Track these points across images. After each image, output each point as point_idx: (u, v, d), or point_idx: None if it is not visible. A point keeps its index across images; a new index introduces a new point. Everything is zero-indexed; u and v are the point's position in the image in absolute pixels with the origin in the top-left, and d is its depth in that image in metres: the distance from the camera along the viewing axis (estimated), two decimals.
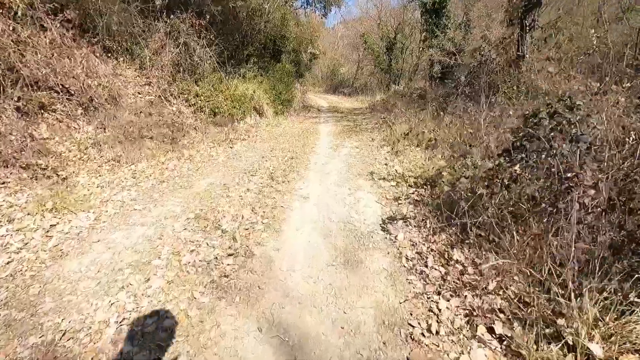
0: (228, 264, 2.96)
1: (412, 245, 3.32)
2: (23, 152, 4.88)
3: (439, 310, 2.44)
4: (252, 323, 2.34)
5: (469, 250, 3.08)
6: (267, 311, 2.46)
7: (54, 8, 6.94)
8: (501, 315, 2.32)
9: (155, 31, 8.89)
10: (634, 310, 2.00)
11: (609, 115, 2.98)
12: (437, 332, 2.25)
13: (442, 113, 8.20)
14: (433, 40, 15.12)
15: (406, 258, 3.13)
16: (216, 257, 3.06)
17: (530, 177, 2.78)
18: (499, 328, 2.22)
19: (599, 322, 2.03)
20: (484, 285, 2.59)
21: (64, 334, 2.19)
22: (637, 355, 1.88)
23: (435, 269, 2.93)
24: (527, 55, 9.09)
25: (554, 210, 2.60)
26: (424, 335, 2.26)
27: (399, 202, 4.31)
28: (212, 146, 7.17)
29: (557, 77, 8.95)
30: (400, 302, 2.58)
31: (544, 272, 2.33)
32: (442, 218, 3.55)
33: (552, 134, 2.60)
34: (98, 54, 7.71)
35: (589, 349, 1.90)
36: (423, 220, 3.70)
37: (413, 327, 2.33)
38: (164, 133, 7.08)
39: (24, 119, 5.45)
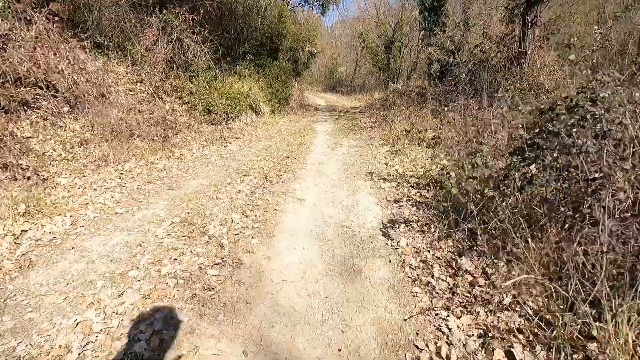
0: (213, 275, 2.65)
1: (416, 252, 3.01)
2: (2, 151, 4.55)
3: (449, 329, 2.14)
4: (236, 346, 2.02)
5: (479, 259, 2.77)
6: (254, 331, 2.15)
7: (40, 1, 6.62)
8: (520, 337, 2.02)
9: (148, 26, 8.56)
10: None
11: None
12: (448, 358, 1.94)
13: (445, 109, 7.91)
14: (432, 38, 14.81)
15: (410, 267, 2.82)
16: (200, 267, 2.74)
17: (548, 177, 2.48)
18: (518, 352, 1.91)
19: (638, 348, 1.73)
20: (499, 300, 2.28)
21: None
22: None
23: (443, 280, 2.62)
24: (529, 52, 8.79)
25: (577, 216, 2.29)
26: None
27: (400, 203, 4.00)
28: (205, 145, 6.85)
29: (560, 74, 8.67)
30: (405, 318, 2.27)
31: (570, 287, 2.02)
32: (448, 222, 3.24)
33: (574, 130, 2.29)
34: (88, 50, 7.38)
35: None
36: (427, 224, 3.39)
37: (420, 349, 2.02)
38: (155, 131, 6.75)
39: (4, 116, 5.12)
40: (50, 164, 4.97)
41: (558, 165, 2.47)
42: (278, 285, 2.59)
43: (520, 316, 2.17)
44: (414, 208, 3.84)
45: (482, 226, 2.80)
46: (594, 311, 1.92)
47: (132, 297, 2.35)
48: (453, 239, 3.08)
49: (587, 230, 2.15)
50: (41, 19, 6.27)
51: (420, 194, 4.14)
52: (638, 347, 1.73)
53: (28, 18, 6.13)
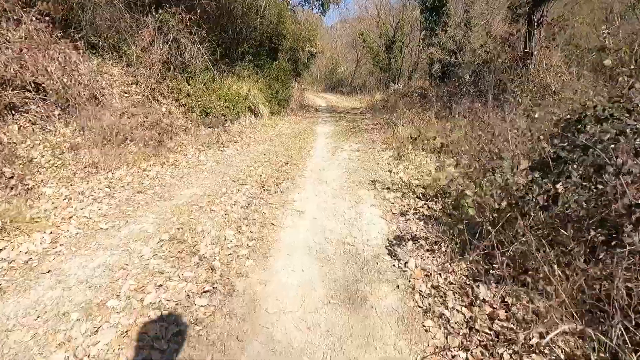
0: (201, 306, 2.35)
1: (426, 275, 2.72)
2: None
3: None
4: None
5: (497, 286, 2.47)
6: None
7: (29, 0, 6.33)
8: None
9: (144, 26, 8.25)
10: None
11: None
12: None
13: (449, 114, 7.61)
14: (433, 38, 14.49)
15: (420, 294, 2.53)
16: (188, 295, 2.44)
17: (577, 198, 2.18)
18: None
19: None
20: (524, 339, 1.99)
21: None
22: None
23: (458, 311, 2.32)
24: (535, 53, 8.48)
25: (613, 244, 2.00)
26: None
27: (407, 217, 3.70)
28: (202, 150, 6.55)
29: (567, 76, 8.36)
30: None
31: (613, 333, 1.73)
32: (460, 240, 2.94)
33: (610, 145, 2.00)
34: (81, 51, 7.07)
35: None
36: (436, 242, 3.09)
37: None
38: (149, 135, 6.44)
39: None
40: (38, 171, 4.68)
41: (589, 185, 2.18)
42: (274, 317, 2.30)
43: None
44: (422, 222, 3.54)
45: (501, 250, 2.50)
46: None
47: (108, 335, 2.06)
48: (466, 261, 2.78)
49: (626, 263, 1.86)
50: (31, 19, 5.97)
51: (428, 206, 3.84)
52: None
53: (16, 18, 5.83)
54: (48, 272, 2.67)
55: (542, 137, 2.71)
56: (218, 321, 2.23)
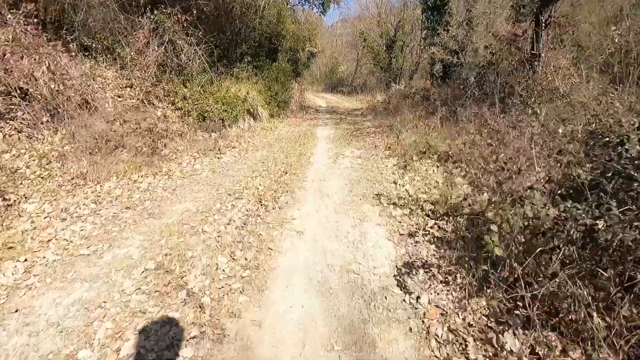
0: (186, 358, 2.02)
1: (442, 314, 2.39)
2: None
3: None
4: None
5: (524, 330, 2.14)
6: None
7: (16, 0, 5.99)
8: None
9: (139, 28, 7.89)
10: None
11: None
12: None
13: (454, 118, 7.26)
14: (435, 37, 14.11)
15: (436, 339, 2.20)
16: (172, 343, 2.11)
17: (622, 237, 1.84)
18: None
19: None
20: None
21: None
22: None
23: None
24: (542, 54, 8.11)
25: None
26: None
27: (416, 238, 3.37)
28: (197, 157, 6.21)
29: (576, 78, 8.01)
30: None
31: None
32: (477, 270, 2.61)
33: None
34: (73, 53, 6.73)
35: None
36: (451, 273, 2.76)
37: None
38: (143, 142, 6.10)
39: None
40: (21, 183, 4.36)
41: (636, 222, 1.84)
42: None
43: None
44: (433, 246, 3.20)
45: (528, 289, 2.17)
46: None
47: None
48: (486, 297, 2.45)
49: None
50: (18, 21, 5.62)
51: (439, 226, 3.50)
52: None
53: (1, 20, 5.48)
54: (16, 311, 2.35)
55: (565, 154, 2.37)
56: None
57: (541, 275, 2.17)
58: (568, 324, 2.09)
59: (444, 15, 15.20)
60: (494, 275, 2.30)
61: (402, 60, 21.20)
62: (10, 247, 3.02)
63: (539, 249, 2.12)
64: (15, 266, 2.80)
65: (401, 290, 2.67)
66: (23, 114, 5.29)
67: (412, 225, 3.61)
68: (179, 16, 7.99)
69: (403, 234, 3.46)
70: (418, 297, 2.56)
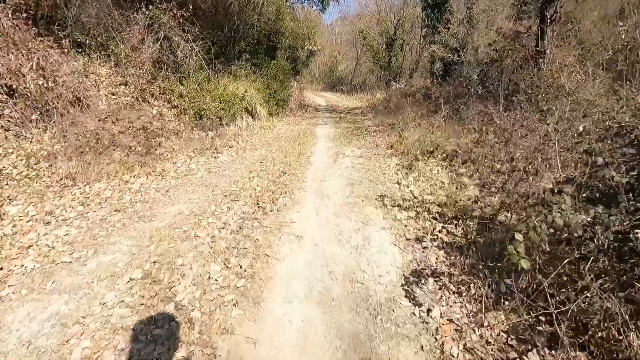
0: None
1: (457, 330, 2.15)
2: None
3: None
4: None
5: (551, 349, 1.91)
6: None
7: None
8: None
9: (134, 24, 7.63)
10: None
11: None
12: None
13: (457, 117, 7.02)
14: (435, 35, 13.86)
15: None
16: None
17: None
18: None
19: None
20: None
21: None
22: None
23: None
24: (548, 51, 7.88)
25: None
26: None
27: (424, 244, 3.13)
28: (193, 156, 5.96)
29: (582, 76, 7.78)
30: None
31: None
32: (494, 282, 2.38)
33: None
34: (66, 50, 6.48)
35: None
36: (464, 282, 2.52)
37: None
38: (136, 141, 5.86)
39: None
40: (7, 184, 4.12)
41: None
42: None
43: None
44: (442, 252, 2.97)
45: (553, 304, 1.93)
46: None
47: None
48: (505, 310, 2.21)
49: None
50: (6, 15, 5.38)
51: (447, 231, 3.26)
52: None
53: None
54: None
55: (595, 153, 2.12)
56: None
57: (569, 288, 1.93)
58: (599, 343, 1.86)
59: (444, 13, 14.96)
60: (510, 287, 2.06)
61: (402, 58, 20.94)
62: None
63: (566, 260, 1.88)
64: None
65: (410, 301, 2.43)
66: (10, 112, 5.03)
67: (419, 229, 3.37)
68: (175, 12, 7.73)
69: (409, 239, 3.22)
70: (429, 310, 2.32)
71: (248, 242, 3.12)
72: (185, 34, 8.25)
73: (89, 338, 2.03)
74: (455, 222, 3.36)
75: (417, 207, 3.78)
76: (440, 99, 8.21)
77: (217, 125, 7.93)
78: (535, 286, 2.27)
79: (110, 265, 2.75)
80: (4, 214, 3.51)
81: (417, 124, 7.27)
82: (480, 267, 2.56)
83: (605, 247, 1.90)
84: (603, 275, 1.91)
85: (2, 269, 2.64)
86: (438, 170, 4.94)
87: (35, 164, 4.61)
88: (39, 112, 5.33)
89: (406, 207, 3.81)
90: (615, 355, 1.80)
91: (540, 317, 2.09)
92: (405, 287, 2.57)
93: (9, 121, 4.97)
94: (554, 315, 1.89)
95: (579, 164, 2.56)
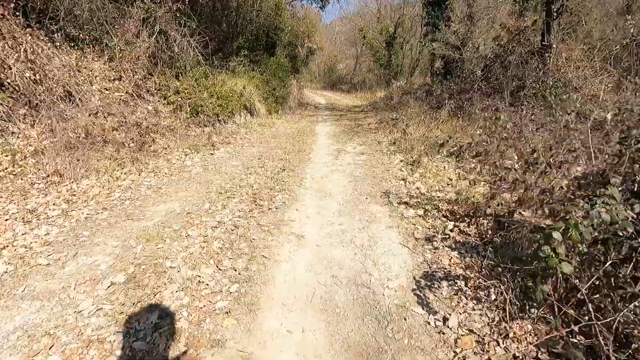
0: None
1: (478, 343, 1.88)
2: None
3: None
4: None
5: None
6: None
7: None
8: None
9: (129, 17, 7.36)
10: None
11: None
12: None
13: (461, 113, 6.76)
14: (436, 33, 13.59)
15: None
16: None
17: None
18: None
19: None
20: None
21: None
22: None
23: None
24: (554, 46, 7.61)
25: None
26: None
27: (434, 243, 2.86)
28: (188, 153, 5.68)
29: (589, 70, 7.53)
30: None
31: None
32: (517, 286, 2.11)
33: None
34: (58, 43, 6.22)
35: None
36: (482, 287, 2.25)
37: None
38: (130, 137, 5.59)
39: None
40: None
41: None
42: None
43: None
44: (455, 252, 2.70)
45: (587, 310, 1.66)
46: None
47: None
48: (532, 318, 1.95)
49: None
50: None
51: (460, 230, 2.99)
52: None
53: None
54: None
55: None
56: None
57: (613, 295, 1.66)
58: None
59: (445, 10, 14.68)
60: (547, 294, 1.78)
61: (402, 57, 20.66)
62: None
63: (610, 262, 1.61)
64: None
65: (423, 309, 2.15)
66: None
67: (429, 228, 3.10)
68: (171, 4, 7.47)
69: (419, 239, 2.95)
70: (445, 319, 2.05)
71: (243, 243, 2.84)
72: (182, 28, 7.99)
73: (59, 352, 1.76)
74: (468, 220, 3.09)
75: (425, 204, 3.51)
76: (444, 94, 7.93)
77: (214, 121, 7.66)
78: (564, 291, 2.01)
79: (91, 268, 2.47)
80: None
81: (422, 119, 7.00)
82: (500, 269, 2.29)
83: None
84: None
85: None
86: (445, 167, 4.68)
87: (21, 160, 4.34)
88: (27, 107, 5.06)
89: (413, 205, 3.54)
90: None
91: (573, 328, 1.82)
92: (417, 292, 2.30)
93: None
94: (594, 326, 1.62)
95: (608, 155, 2.29)
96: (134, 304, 2.09)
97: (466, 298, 2.20)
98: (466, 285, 2.32)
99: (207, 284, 2.30)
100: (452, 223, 3.08)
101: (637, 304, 1.57)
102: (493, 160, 2.67)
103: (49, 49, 5.89)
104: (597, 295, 1.83)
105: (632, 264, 1.69)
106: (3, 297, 2.16)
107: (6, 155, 4.34)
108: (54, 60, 5.80)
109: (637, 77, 6.19)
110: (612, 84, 6.90)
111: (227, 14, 10.22)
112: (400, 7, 20.77)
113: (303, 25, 15.65)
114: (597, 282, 1.81)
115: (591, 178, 2.01)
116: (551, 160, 2.52)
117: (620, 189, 1.91)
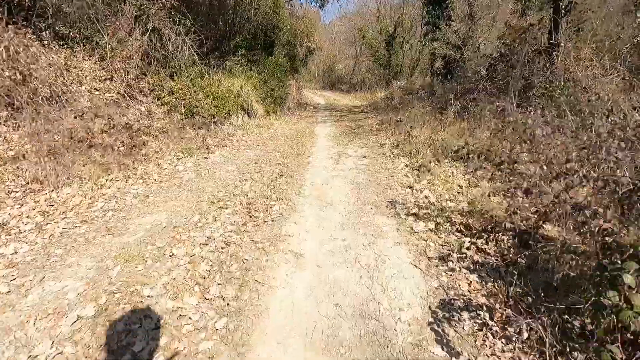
0: None
1: None
2: None
3: None
4: None
5: None
6: None
7: None
8: None
9: (121, 14, 6.99)
10: None
11: None
12: None
13: (467, 115, 6.41)
14: (437, 33, 13.24)
15: None
16: None
17: None
18: None
19: None
20: None
21: None
22: None
23: None
24: (562, 44, 7.26)
25: None
26: None
27: (449, 264, 2.51)
28: (181, 157, 5.33)
29: (599, 70, 7.19)
30: None
31: None
32: (555, 319, 1.77)
33: None
34: (46, 42, 5.88)
35: None
36: (510, 320, 1.90)
37: None
38: (120, 140, 5.24)
39: None
40: None
41: None
42: None
43: None
44: (475, 276, 2.35)
45: None
46: None
47: None
48: None
49: None
50: None
51: (477, 247, 2.65)
52: None
53: None
54: None
55: None
56: None
57: None
58: None
59: (445, 9, 14.34)
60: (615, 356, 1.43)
61: (402, 56, 20.28)
62: None
63: None
64: None
65: (443, 349, 1.81)
66: None
67: (442, 245, 2.75)
68: (164, 1, 7.10)
69: (432, 258, 2.60)
70: None
71: (235, 264, 2.49)
72: (177, 26, 7.62)
73: None
74: (486, 236, 2.74)
75: (436, 216, 3.16)
76: (450, 94, 7.58)
77: (209, 123, 7.30)
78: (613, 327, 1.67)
79: (57, 296, 2.12)
80: None
81: (426, 121, 6.64)
82: (530, 299, 1.95)
83: None
84: None
85: None
86: (453, 172, 4.33)
87: (1, 166, 4.00)
88: (10, 109, 4.73)
89: (423, 217, 3.19)
90: None
91: None
92: (435, 327, 1.96)
93: None
94: None
95: None
96: (100, 346, 1.74)
97: (493, 336, 1.85)
98: (491, 318, 1.97)
99: (190, 318, 1.95)
100: (468, 239, 2.74)
101: None
102: (519, 171, 2.32)
103: (36, 47, 5.55)
104: None
105: None
106: None
107: None
108: (40, 59, 5.45)
109: None
110: (623, 83, 6.57)
111: (224, 12, 9.85)
112: (400, 6, 20.40)
113: (302, 25, 15.27)
114: None
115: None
116: (587, 171, 2.17)
117: None
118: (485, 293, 2.17)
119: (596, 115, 3.58)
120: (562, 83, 6.03)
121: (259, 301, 2.12)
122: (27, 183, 3.90)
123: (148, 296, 2.10)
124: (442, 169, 4.43)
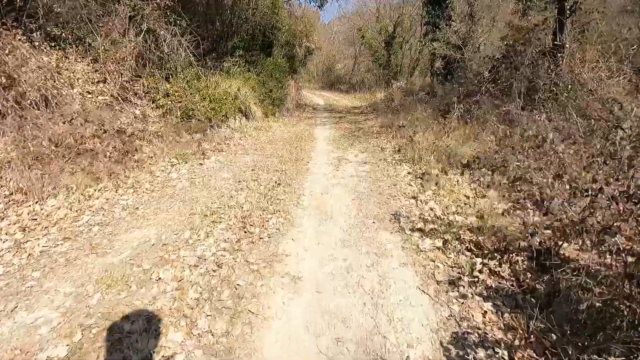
0: None
1: None
2: None
3: None
4: None
5: None
6: None
7: None
8: None
9: (114, 15, 6.74)
10: None
11: None
12: None
13: (470, 118, 6.19)
14: (437, 33, 13.00)
15: None
16: None
17: None
18: None
19: None
20: None
21: None
22: None
23: None
24: (567, 45, 7.03)
25: None
26: None
27: (460, 289, 2.28)
28: (175, 163, 5.09)
29: (605, 72, 6.97)
30: None
31: None
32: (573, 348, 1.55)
33: None
34: (36, 43, 5.63)
35: None
36: (529, 354, 1.68)
37: None
38: (112, 146, 5.00)
39: None
40: None
41: None
42: None
43: None
44: (489, 304, 2.13)
45: None
46: None
47: None
48: None
49: None
50: None
51: (490, 270, 2.42)
52: None
53: None
54: None
55: None
56: None
57: None
58: None
59: (445, 9, 14.10)
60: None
61: (402, 57, 20.02)
62: None
63: None
64: None
65: None
66: None
67: (452, 267, 2.52)
68: (159, 1, 6.85)
69: (441, 282, 2.37)
70: None
71: (227, 290, 2.26)
72: (172, 27, 7.37)
73: None
74: (499, 256, 2.52)
75: (443, 232, 2.94)
76: (452, 97, 7.34)
77: (206, 126, 7.06)
78: None
79: (28, 330, 1.89)
80: None
81: (428, 124, 6.41)
82: (555, 337, 1.73)
83: None
84: None
85: None
86: (458, 181, 4.11)
87: None
88: None
89: (430, 233, 2.97)
90: None
91: None
92: None
93: None
94: None
95: None
96: None
97: None
98: (510, 356, 1.75)
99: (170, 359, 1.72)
100: (480, 260, 2.51)
101: None
102: (539, 189, 2.10)
103: (25, 49, 5.31)
104: None
105: None
106: None
107: None
108: (30, 61, 5.21)
109: None
110: (629, 85, 6.36)
111: (221, 12, 9.59)
112: (399, 6, 20.12)
113: (301, 25, 15.02)
114: None
115: None
116: (614, 189, 1.95)
117: None
118: (503, 326, 1.95)
119: (609, 122, 3.35)
120: (569, 86, 5.80)
121: (252, 336, 1.90)
122: (11, 194, 3.67)
123: (128, 332, 1.87)
124: (447, 177, 4.21)
